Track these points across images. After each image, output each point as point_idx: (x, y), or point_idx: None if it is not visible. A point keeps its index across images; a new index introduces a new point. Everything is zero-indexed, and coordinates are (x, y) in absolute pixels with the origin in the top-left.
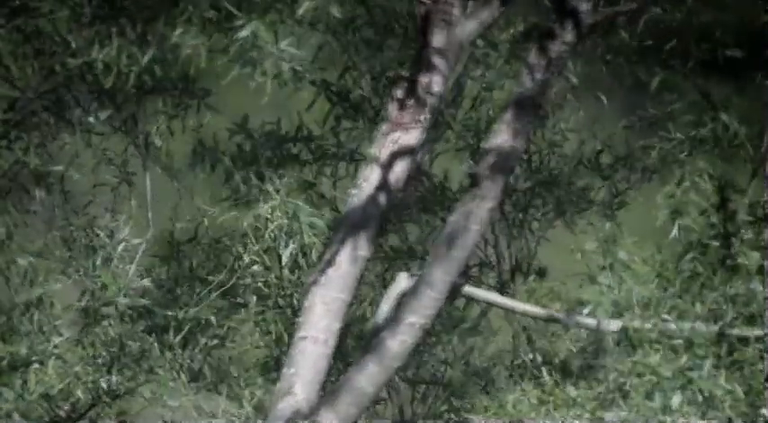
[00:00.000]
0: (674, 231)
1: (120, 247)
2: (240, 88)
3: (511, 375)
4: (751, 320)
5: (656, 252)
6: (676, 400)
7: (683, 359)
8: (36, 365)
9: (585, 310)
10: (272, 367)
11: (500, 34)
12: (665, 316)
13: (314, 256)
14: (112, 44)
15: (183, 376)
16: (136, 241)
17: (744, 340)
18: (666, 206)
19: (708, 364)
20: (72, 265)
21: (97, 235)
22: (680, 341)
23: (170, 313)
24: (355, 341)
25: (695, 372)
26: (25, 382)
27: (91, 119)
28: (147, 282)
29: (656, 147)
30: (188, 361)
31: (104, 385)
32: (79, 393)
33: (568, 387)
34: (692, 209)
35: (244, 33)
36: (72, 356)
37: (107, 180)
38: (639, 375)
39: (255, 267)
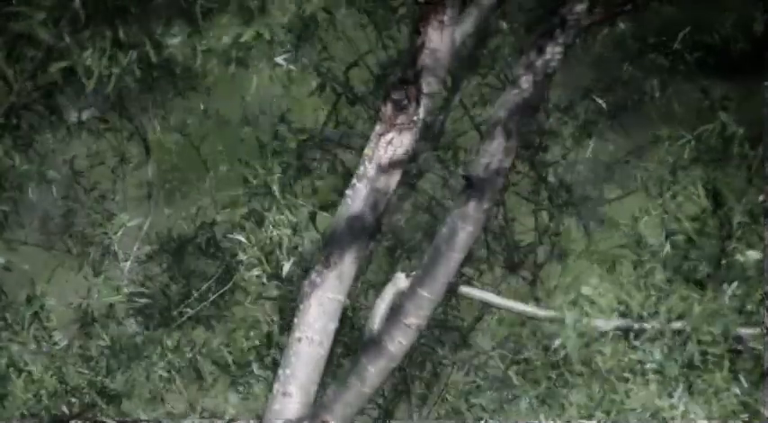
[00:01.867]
0: (667, 248)
1: (120, 233)
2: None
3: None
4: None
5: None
6: None
7: (653, 388)
8: (29, 367)
9: (556, 343)
10: (268, 368)
11: (496, 33)
12: (636, 342)
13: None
14: (95, 47)
15: (178, 378)
16: (132, 223)
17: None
18: (659, 222)
19: (678, 392)
20: (71, 260)
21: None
22: (652, 365)
23: (168, 313)
24: (351, 342)
25: (664, 401)
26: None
27: (74, 118)
28: (144, 288)
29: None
30: (184, 363)
31: (100, 387)
32: (74, 396)
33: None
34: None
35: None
36: (67, 358)
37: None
38: (607, 412)
39: (256, 272)
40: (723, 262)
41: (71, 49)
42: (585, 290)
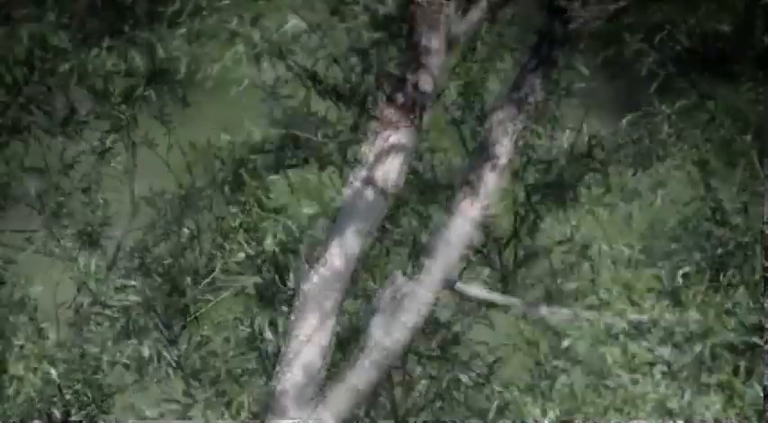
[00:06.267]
0: (658, 200)
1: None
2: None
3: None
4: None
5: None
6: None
7: (663, 388)
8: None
9: (566, 343)
10: (266, 367)
11: (491, 33)
12: (645, 342)
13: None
14: (102, 45)
15: (173, 377)
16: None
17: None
18: (650, 184)
19: (688, 393)
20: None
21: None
22: (663, 367)
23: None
24: (349, 340)
25: (675, 401)
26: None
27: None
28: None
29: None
30: (176, 361)
31: (90, 389)
32: (65, 398)
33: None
34: (675, 184)
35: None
36: (58, 359)
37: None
38: (619, 410)
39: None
40: (719, 252)
41: (79, 49)
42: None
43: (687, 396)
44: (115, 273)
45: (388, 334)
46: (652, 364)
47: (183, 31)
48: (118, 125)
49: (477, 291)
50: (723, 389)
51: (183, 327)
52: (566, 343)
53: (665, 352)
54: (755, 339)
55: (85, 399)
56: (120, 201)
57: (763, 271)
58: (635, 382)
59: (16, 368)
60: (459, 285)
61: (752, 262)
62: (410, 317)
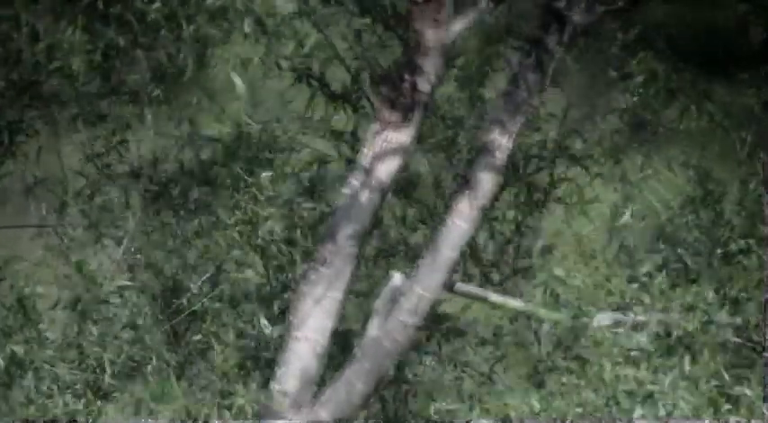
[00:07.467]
0: (627, 216)
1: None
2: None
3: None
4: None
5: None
6: (638, 413)
7: (644, 373)
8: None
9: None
10: (265, 367)
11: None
12: (620, 330)
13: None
14: (77, 23)
15: (172, 376)
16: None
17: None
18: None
19: (669, 377)
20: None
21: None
22: (638, 353)
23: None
24: (348, 340)
25: (656, 385)
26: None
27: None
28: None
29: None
30: (176, 361)
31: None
32: (67, 398)
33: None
34: (653, 196)
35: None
36: (59, 359)
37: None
38: (596, 391)
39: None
40: (718, 252)
41: (52, 28)
42: (558, 271)
43: (667, 382)
44: (116, 271)
45: (386, 334)
46: (630, 350)
47: (158, 4)
48: (123, 123)
49: (475, 290)
50: (699, 380)
51: (184, 326)
52: (545, 328)
53: (642, 339)
54: (755, 336)
55: (85, 399)
56: (122, 198)
57: (763, 270)
58: (615, 365)
59: (17, 368)
60: (459, 285)
61: (752, 262)
62: (409, 317)
